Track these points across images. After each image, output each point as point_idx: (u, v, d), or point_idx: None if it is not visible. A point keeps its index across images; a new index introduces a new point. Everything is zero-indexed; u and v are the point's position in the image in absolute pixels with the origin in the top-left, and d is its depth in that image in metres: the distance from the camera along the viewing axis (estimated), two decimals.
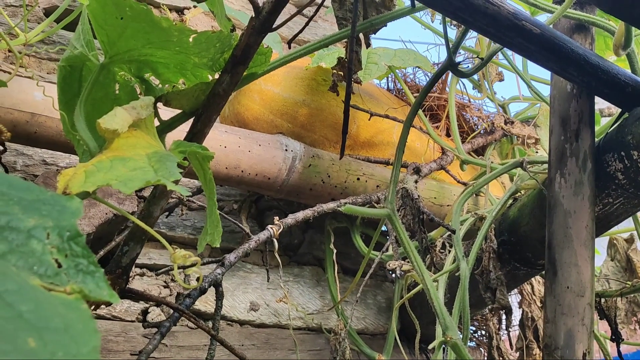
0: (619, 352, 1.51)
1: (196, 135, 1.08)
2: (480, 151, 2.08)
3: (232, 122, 1.80)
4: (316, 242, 1.99)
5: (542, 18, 1.38)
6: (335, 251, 1.81)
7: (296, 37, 1.11)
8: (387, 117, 1.74)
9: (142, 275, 1.72)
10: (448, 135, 2.03)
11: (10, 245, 0.54)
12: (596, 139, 1.23)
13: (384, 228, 1.73)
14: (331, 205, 1.54)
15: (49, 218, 0.59)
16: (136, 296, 1.13)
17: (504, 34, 1.06)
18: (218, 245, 0.92)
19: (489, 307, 1.44)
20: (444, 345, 1.07)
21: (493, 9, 1.03)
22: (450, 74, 1.89)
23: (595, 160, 1.20)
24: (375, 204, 1.65)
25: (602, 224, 1.28)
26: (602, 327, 2.08)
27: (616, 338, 1.50)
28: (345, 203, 1.61)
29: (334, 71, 1.34)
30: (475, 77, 2.10)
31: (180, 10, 2.08)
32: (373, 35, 2.35)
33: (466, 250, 1.44)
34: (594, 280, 1.15)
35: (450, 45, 1.13)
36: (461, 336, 1.18)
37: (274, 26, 1.04)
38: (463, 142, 2.00)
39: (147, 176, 0.80)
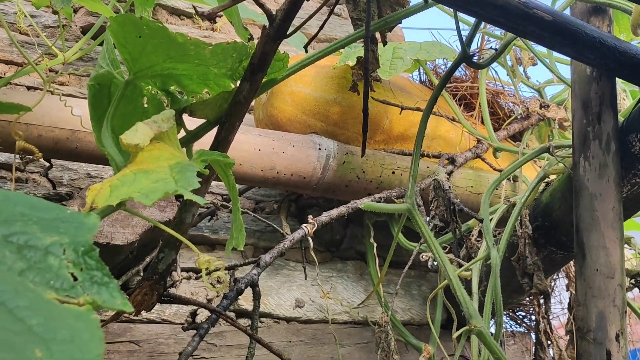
0: None
1: (221, 142, 1.12)
2: (518, 137, 2.07)
3: (267, 124, 1.84)
4: (357, 237, 2.01)
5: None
6: (375, 245, 1.83)
7: (313, 40, 1.14)
8: (418, 109, 1.75)
9: (188, 278, 1.78)
10: (483, 123, 2.03)
11: (28, 263, 0.58)
12: (621, 120, 1.23)
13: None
14: (365, 200, 1.57)
15: (65, 235, 0.63)
16: (174, 300, 1.17)
17: (515, 23, 1.07)
18: (242, 249, 0.95)
19: (528, 292, 1.45)
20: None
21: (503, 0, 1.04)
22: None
23: (620, 141, 1.20)
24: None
25: (632, 204, 1.28)
26: None
27: None
28: (381, 197, 1.63)
29: (354, 70, 1.37)
30: (509, 62, 2.09)
31: (212, 19, 2.13)
32: (402, 25, 2.36)
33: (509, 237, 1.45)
34: (624, 262, 1.15)
35: (464, 38, 1.14)
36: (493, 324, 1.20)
37: (287, 32, 1.07)
38: (498, 129, 2.00)
39: (168, 187, 0.84)
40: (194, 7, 1.00)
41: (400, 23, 1.15)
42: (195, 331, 1.24)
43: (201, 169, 0.94)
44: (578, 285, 1.16)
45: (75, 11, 1.96)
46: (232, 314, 1.78)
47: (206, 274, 0.96)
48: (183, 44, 1.01)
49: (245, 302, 1.79)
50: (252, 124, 1.96)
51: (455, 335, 1.11)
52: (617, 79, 1.24)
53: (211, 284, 0.91)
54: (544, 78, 2.21)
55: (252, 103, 1.98)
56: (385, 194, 1.63)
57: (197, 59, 1.06)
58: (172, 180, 0.87)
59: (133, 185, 0.87)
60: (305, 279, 1.72)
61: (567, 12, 1.28)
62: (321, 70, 1.81)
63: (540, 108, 1.95)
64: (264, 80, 1.12)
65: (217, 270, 0.90)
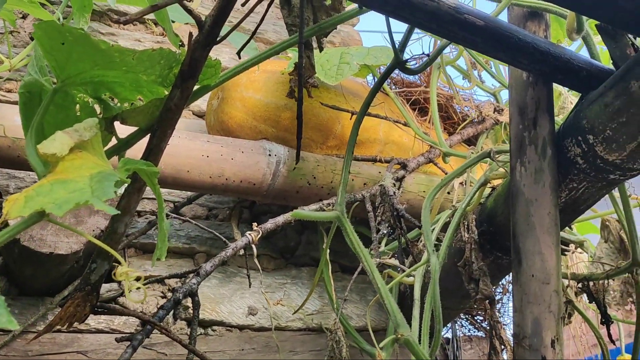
0: (609, 334, 1.50)
1: (153, 150, 1.10)
2: (473, 140, 2.07)
3: (218, 130, 1.82)
4: (312, 243, 2.00)
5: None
6: (327, 249, 1.82)
7: (244, 48, 1.13)
8: (369, 115, 1.74)
9: (138, 288, 1.75)
10: None
11: None
12: (558, 126, 1.23)
13: None
14: (313, 207, 1.56)
15: None
16: (108, 311, 1.15)
17: (447, 29, 1.06)
18: (163, 259, 0.94)
19: (473, 298, 1.44)
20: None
21: (432, 4, 1.04)
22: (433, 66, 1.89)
23: (556, 146, 1.19)
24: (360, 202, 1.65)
25: (571, 209, 1.28)
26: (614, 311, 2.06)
27: (606, 321, 1.49)
28: (330, 203, 1.62)
29: (291, 76, 1.36)
30: (464, 66, 2.09)
31: (127, 23, 2.10)
32: (357, 27, 2.35)
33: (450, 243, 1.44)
34: (560, 267, 1.14)
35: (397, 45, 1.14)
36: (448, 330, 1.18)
37: (218, 39, 1.06)
38: (452, 133, 2.00)
39: (82, 197, 0.83)
40: (109, 16, 0.98)
41: (336, 28, 1.14)
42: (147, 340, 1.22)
43: (123, 179, 0.92)
44: (514, 291, 1.15)
45: (24, 17, 1.93)
46: (183, 323, 1.76)
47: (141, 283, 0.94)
48: (107, 51, 0.99)
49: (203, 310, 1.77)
50: (205, 130, 1.94)
51: (381, 344, 1.10)
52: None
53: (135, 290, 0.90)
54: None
55: (205, 109, 1.97)
56: (334, 200, 1.62)
57: (124, 66, 1.04)
58: (89, 190, 0.86)
59: (48, 195, 0.85)
60: (250, 287, 1.70)
61: (504, 15, 1.28)
62: (272, 76, 1.80)
63: (494, 112, 1.95)
64: (196, 87, 1.11)
65: (138, 280, 0.88)
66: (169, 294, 1.78)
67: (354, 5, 1.17)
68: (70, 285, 1.65)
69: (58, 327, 1.13)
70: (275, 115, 1.77)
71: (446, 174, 1.84)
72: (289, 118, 1.77)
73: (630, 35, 1.12)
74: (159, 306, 1.20)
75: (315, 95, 1.76)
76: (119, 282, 1.69)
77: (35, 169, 0.97)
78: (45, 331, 1.17)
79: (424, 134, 1.81)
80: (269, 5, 1.09)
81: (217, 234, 1.67)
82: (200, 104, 2.09)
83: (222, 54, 2.19)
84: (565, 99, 1.68)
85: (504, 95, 2.10)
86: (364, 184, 1.77)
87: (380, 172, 1.80)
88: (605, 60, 1.34)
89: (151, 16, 2.09)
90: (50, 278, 1.60)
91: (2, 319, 0.57)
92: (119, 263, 0.97)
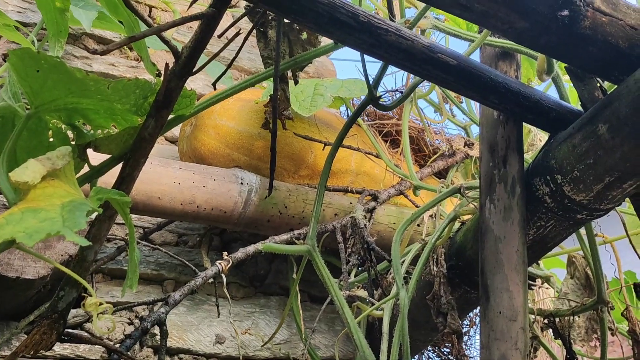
0: None
1: (125, 179, 1.10)
2: (444, 173, 2.09)
3: (190, 157, 1.82)
4: (282, 272, 2.00)
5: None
6: (298, 280, 1.82)
7: (220, 79, 1.13)
8: (343, 146, 1.75)
9: (104, 312, 1.74)
10: None
11: None
12: (527, 164, 1.25)
13: None
14: (284, 237, 1.57)
15: None
16: (75, 339, 1.14)
17: (420, 67, 1.08)
18: (134, 290, 0.93)
19: (441, 332, 1.45)
20: None
21: (407, 43, 1.05)
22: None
23: (525, 184, 1.21)
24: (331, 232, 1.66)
25: (539, 246, 1.29)
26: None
27: (571, 357, 1.51)
28: (301, 234, 1.63)
29: (266, 108, 1.37)
30: (436, 100, 2.12)
31: (105, 54, 2.11)
32: (332, 56, 2.37)
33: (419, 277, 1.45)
34: (527, 305, 1.16)
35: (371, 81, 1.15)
36: None
37: (194, 70, 1.07)
38: (422, 166, 2.02)
39: (53, 227, 0.82)
40: (85, 47, 0.99)
41: (311, 62, 1.15)
42: None
43: (95, 208, 0.92)
44: (482, 327, 1.17)
45: None
46: (149, 351, 1.74)
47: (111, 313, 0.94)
48: (82, 80, 0.99)
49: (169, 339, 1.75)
50: (177, 156, 1.94)
51: None
52: None
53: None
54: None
55: (177, 134, 1.97)
56: (305, 230, 1.62)
57: (98, 95, 1.04)
58: (60, 219, 0.85)
59: (19, 224, 0.84)
60: (218, 316, 1.70)
61: (477, 54, 1.30)
62: (246, 105, 1.81)
63: (465, 146, 1.98)
64: (171, 116, 1.11)
65: (104, 313, 0.88)
66: (136, 321, 1.76)
67: (330, 40, 1.19)
68: (36, 309, 1.62)
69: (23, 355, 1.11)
70: (248, 144, 1.78)
71: (416, 205, 1.86)
72: (262, 147, 1.77)
73: (598, 79, 1.15)
74: (126, 334, 1.19)
75: (289, 125, 1.77)
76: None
77: (6, 196, 0.96)
78: (10, 359, 1.16)
79: (395, 166, 1.82)
80: (246, 38, 1.10)
81: (187, 262, 1.67)
82: (173, 129, 2.09)
83: (197, 81, 2.19)
84: (535, 136, 1.71)
85: (475, 129, 2.13)
86: (335, 214, 1.77)
87: (351, 203, 1.81)
88: (573, 98, 1.37)
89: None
90: (16, 302, 1.58)
91: None
92: (87, 291, 0.96)
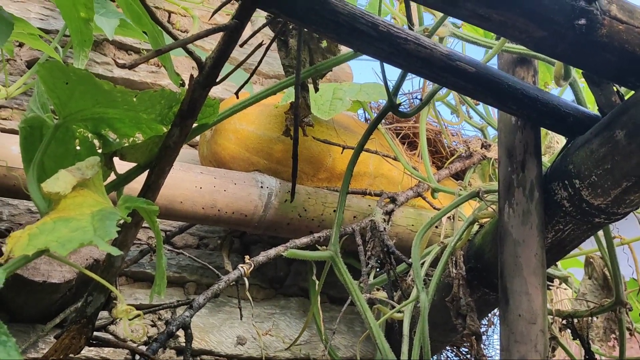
0: None
1: (151, 187, 1.13)
2: (461, 175, 2.10)
3: (211, 161, 1.85)
4: (302, 274, 2.02)
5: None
6: (317, 282, 1.84)
7: (242, 88, 1.15)
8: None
9: (136, 324, 1.77)
10: None
11: None
12: (545, 168, 1.26)
13: None
14: (304, 240, 1.59)
15: None
16: (103, 343, 1.17)
17: (439, 75, 1.10)
18: (163, 296, 0.96)
19: (460, 333, 1.47)
20: None
21: (426, 52, 1.07)
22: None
23: (544, 189, 1.23)
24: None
25: (557, 249, 1.31)
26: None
27: (589, 358, 1.52)
28: (321, 237, 1.65)
29: (287, 115, 1.39)
30: (452, 101, 2.13)
31: (132, 68, 2.13)
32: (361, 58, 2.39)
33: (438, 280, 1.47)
34: (546, 307, 1.17)
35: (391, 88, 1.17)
36: None
37: (218, 79, 1.09)
38: (441, 167, 2.03)
39: (85, 237, 0.85)
40: (115, 60, 1.01)
41: (331, 70, 1.17)
42: None
43: (124, 217, 0.94)
44: (501, 330, 1.18)
45: (21, 45, 1.96)
46: (172, 352, 1.77)
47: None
48: (109, 91, 1.02)
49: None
50: (198, 160, 1.97)
51: None
52: None
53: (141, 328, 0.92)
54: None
55: (198, 139, 2.00)
56: (325, 233, 1.65)
57: (125, 105, 1.07)
58: (91, 229, 0.88)
59: (52, 234, 0.87)
60: (241, 319, 1.72)
61: (494, 60, 1.32)
62: (265, 109, 1.83)
63: (482, 147, 1.99)
64: (195, 125, 1.13)
65: (137, 317, 0.91)
66: (159, 323, 1.79)
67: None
68: (62, 312, 1.66)
69: (52, 359, 1.14)
70: (267, 148, 1.80)
71: (434, 207, 1.88)
72: (282, 150, 1.80)
73: (615, 84, 1.17)
74: (151, 337, 1.22)
75: (308, 129, 1.80)
76: (110, 310, 1.71)
77: (38, 206, 0.99)
78: None
79: (413, 168, 1.84)
80: (267, 48, 1.12)
81: (208, 264, 1.70)
82: None
83: (217, 86, 2.21)
84: (552, 138, 1.72)
85: (492, 131, 2.14)
86: (354, 217, 1.80)
87: (369, 205, 1.83)
88: (591, 100, 1.38)
89: (147, 45, 2.12)
90: (42, 306, 1.61)
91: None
92: (111, 294, 0.99)
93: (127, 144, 1.17)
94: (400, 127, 2.06)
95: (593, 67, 1.09)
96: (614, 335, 1.68)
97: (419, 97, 2.08)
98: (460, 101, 2.11)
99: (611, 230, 1.46)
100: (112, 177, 1.15)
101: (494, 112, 2.04)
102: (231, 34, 1.02)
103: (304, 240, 1.59)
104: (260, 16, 1.96)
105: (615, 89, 1.17)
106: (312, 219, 1.76)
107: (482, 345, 1.49)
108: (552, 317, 1.64)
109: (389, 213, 1.75)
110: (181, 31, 2.26)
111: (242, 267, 1.43)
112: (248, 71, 2.12)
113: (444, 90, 2.02)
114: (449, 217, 1.83)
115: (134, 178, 1.14)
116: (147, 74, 2.10)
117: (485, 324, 2.19)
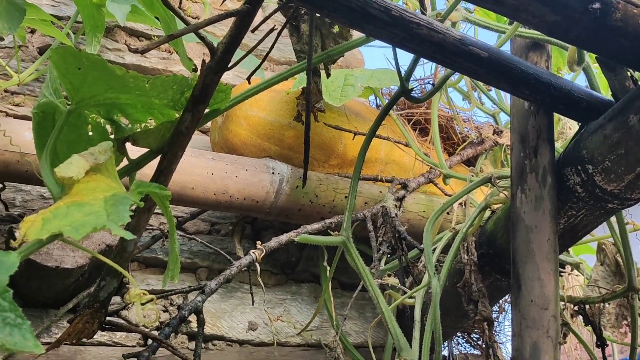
0: (604, 357, 1.53)
1: (163, 172, 1.13)
2: (473, 161, 2.10)
3: (222, 147, 1.85)
4: (313, 259, 2.03)
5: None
6: (328, 268, 1.84)
7: (253, 74, 1.15)
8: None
9: (149, 308, 1.78)
10: None
11: None
12: (558, 154, 1.26)
13: None
14: (315, 226, 1.59)
15: None
16: (115, 327, 1.18)
17: (451, 60, 1.09)
18: (176, 281, 0.96)
19: (472, 318, 1.47)
20: None
21: (438, 37, 1.07)
22: None
23: (556, 174, 1.22)
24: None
25: (569, 235, 1.30)
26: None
27: (601, 344, 1.52)
28: (332, 223, 1.65)
29: (299, 100, 1.39)
30: (464, 88, 2.13)
31: (144, 53, 2.14)
32: (372, 44, 2.38)
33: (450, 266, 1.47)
34: (558, 293, 1.17)
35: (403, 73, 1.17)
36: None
37: (230, 65, 1.09)
38: (452, 154, 2.03)
39: (98, 221, 0.85)
40: (127, 46, 1.01)
41: (343, 55, 1.16)
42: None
43: (137, 202, 0.95)
44: (514, 315, 1.18)
45: (33, 32, 1.96)
46: (184, 337, 1.78)
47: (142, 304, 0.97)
48: (122, 77, 1.02)
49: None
50: (209, 146, 1.97)
51: None
52: None
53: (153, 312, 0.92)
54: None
55: (209, 125, 2.00)
56: (336, 219, 1.65)
57: (137, 90, 1.07)
58: (104, 213, 0.88)
59: (65, 218, 0.87)
60: (253, 304, 1.73)
61: (507, 45, 1.31)
62: (276, 95, 1.83)
63: (494, 134, 1.99)
64: (207, 110, 1.13)
65: (149, 301, 0.91)
66: (171, 308, 1.80)
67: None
68: (74, 297, 1.67)
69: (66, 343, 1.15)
70: (279, 134, 1.80)
71: (446, 193, 1.87)
72: (293, 136, 1.80)
73: (629, 69, 1.16)
74: (163, 322, 1.22)
75: (319, 115, 1.79)
76: (122, 296, 1.71)
77: (51, 191, 0.99)
78: (54, 347, 1.20)
79: (424, 154, 1.84)
80: (279, 34, 1.12)
81: (220, 250, 1.70)
82: None
83: (228, 72, 2.21)
84: (564, 124, 1.71)
85: (503, 117, 2.14)
86: (365, 203, 1.79)
87: (381, 192, 1.82)
88: (604, 86, 1.37)
89: (158, 32, 2.12)
90: (55, 291, 1.62)
91: (29, 343, 0.60)
92: (124, 279, 0.99)
93: (139, 130, 1.17)
94: (412, 114, 2.05)
95: (607, 52, 1.08)
96: (625, 322, 1.68)
97: (430, 82, 2.07)
98: (472, 87, 2.11)
99: (624, 216, 1.45)
100: (125, 162, 1.16)
101: (506, 98, 2.03)
102: (243, 19, 1.02)
103: (316, 226, 1.59)
104: (271, 2, 1.95)
105: (629, 74, 1.16)
106: (324, 205, 1.76)
107: (493, 331, 1.49)
108: (563, 303, 1.64)
109: (401, 199, 1.75)
110: (192, 17, 2.26)
111: (253, 252, 1.43)
112: (259, 58, 2.12)
113: (456, 76, 2.01)
114: (460, 204, 1.83)
115: (146, 163, 1.14)
116: (158, 60, 2.10)
117: (496, 310, 2.19)
